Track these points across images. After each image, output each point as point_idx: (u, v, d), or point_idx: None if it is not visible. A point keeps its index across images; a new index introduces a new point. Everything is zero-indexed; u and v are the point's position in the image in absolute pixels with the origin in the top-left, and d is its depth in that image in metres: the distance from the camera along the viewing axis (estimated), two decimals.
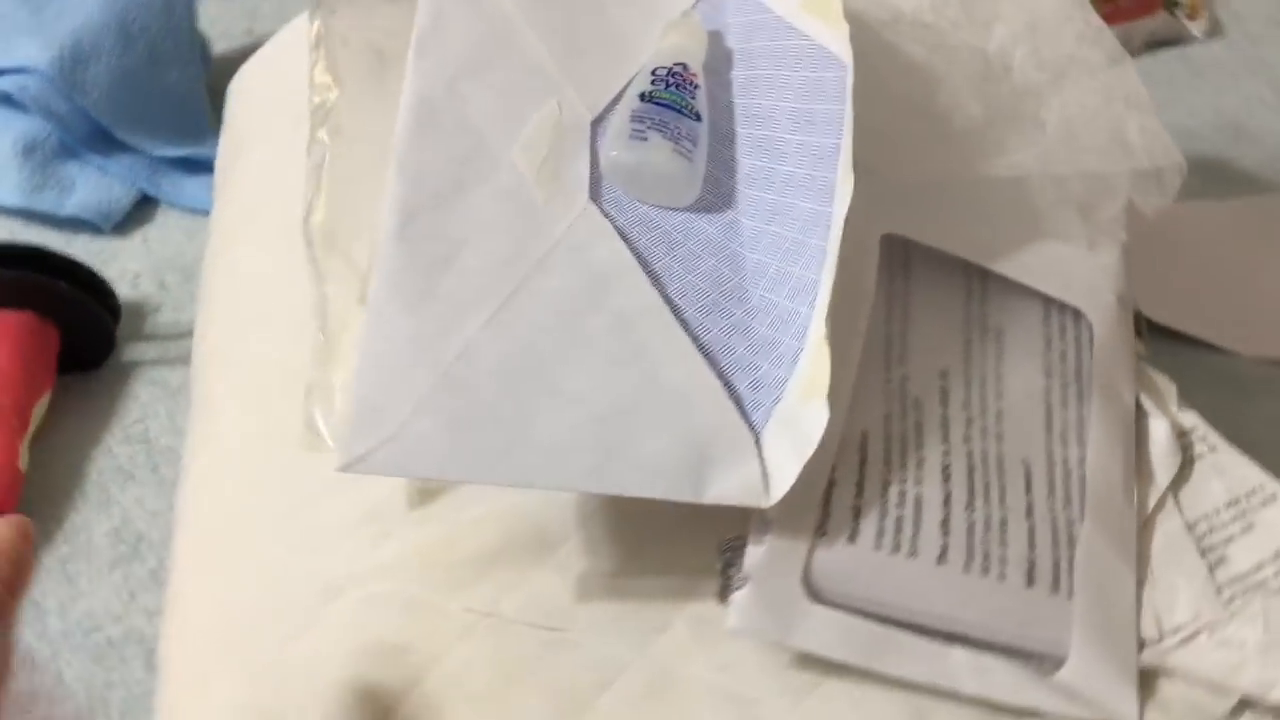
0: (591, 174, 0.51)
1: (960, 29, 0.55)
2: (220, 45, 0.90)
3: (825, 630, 0.43)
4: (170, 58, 0.82)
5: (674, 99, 0.51)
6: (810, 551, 0.44)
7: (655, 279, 0.48)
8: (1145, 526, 0.48)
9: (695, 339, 0.46)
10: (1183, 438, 0.50)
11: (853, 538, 0.44)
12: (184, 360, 0.72)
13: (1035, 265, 0.51)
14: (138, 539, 0.65)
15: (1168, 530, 0.48)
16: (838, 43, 0.48)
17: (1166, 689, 0.45)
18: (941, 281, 0.51)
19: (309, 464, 0.51)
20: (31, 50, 0.77)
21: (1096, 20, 0.54)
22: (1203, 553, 0.47)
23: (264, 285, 0.60)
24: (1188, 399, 0.51)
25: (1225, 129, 0.89)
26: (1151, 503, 0.48)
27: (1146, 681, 0.44)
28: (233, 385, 0.58)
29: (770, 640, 0.43)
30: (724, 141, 0.53)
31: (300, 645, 0.48)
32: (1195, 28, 0.99)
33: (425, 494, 0.49)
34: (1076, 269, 0.51)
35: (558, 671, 0.45)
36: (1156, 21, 0.98)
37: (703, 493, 0.42)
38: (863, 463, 0.45)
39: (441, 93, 0.52)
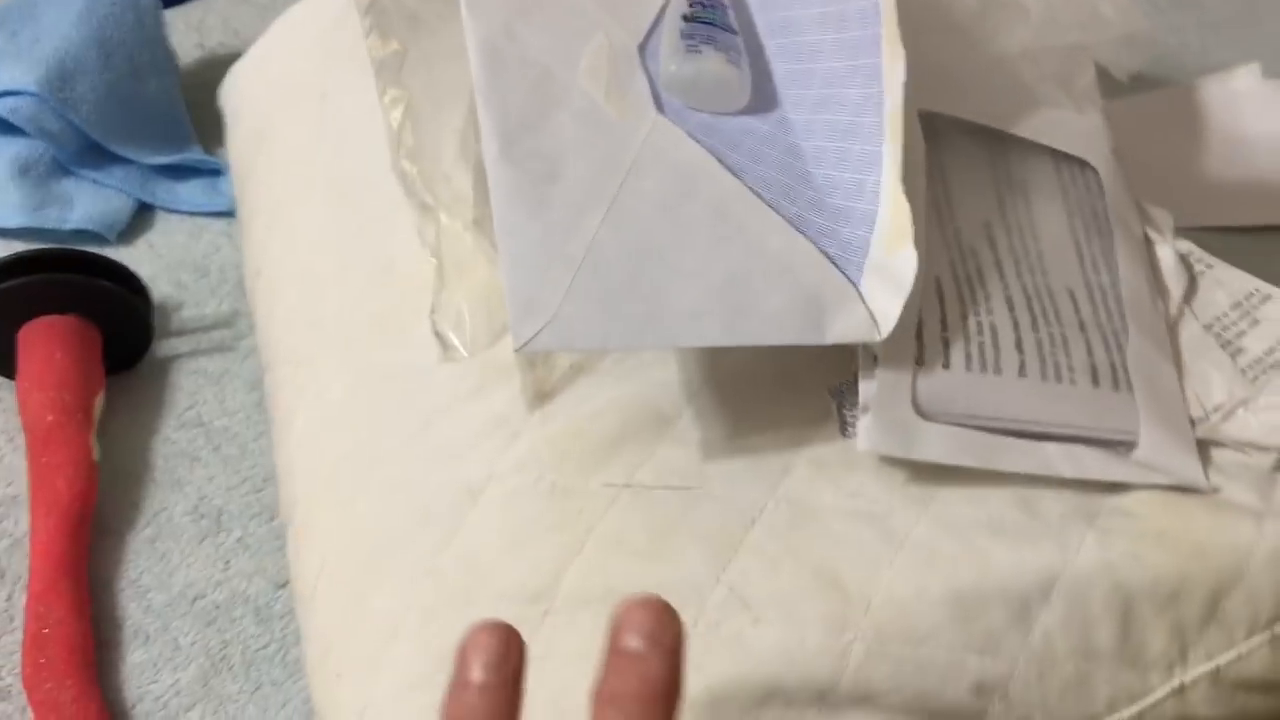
0: (652, 89, 0.56)
1: None
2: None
3: (941, 442, 0.49)
4: (148, 69, 0.85)
5: (713, 17, 0.57)
6: (914, 380, 0.50)
7: (731, 172, 0.54)
8: (1170, 332, 0.56)
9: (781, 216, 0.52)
10: (1184, 260, 0.58)
11: (947, 364, 0.50)
12: (218, 349, 0.76)
13: (1040, 127, 0.58)
14: (218, 513, 0.68)
15: (1189, 333, 0.56)
16: None
17: (1219, 455, 0.52)
18: (966, 148, 0.58)
19: (423, 391, 0.56)
20: (17, 73, 0.78)
21: None
22: (1222, 346, 0.55)
23: (331, 247, 0.64)
24: None
25: None
26: (1171, 313, 0.56)
27: (1202, 450, 0.52)
28: (321, 342, 0.61)
29: (897, 454, 0.49)
30: (755, 53, 0.59)
31: (454, 545, 0.52)
32: None
33: (542, 395, 0.54)
34: (1073, 128, 0.59)
35: (705, 520, 0.50)
36: None
37: (824, 335, 0.49)
38: (941, 301, 0.52)
39: (501, 36, 0.57)
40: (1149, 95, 0.84)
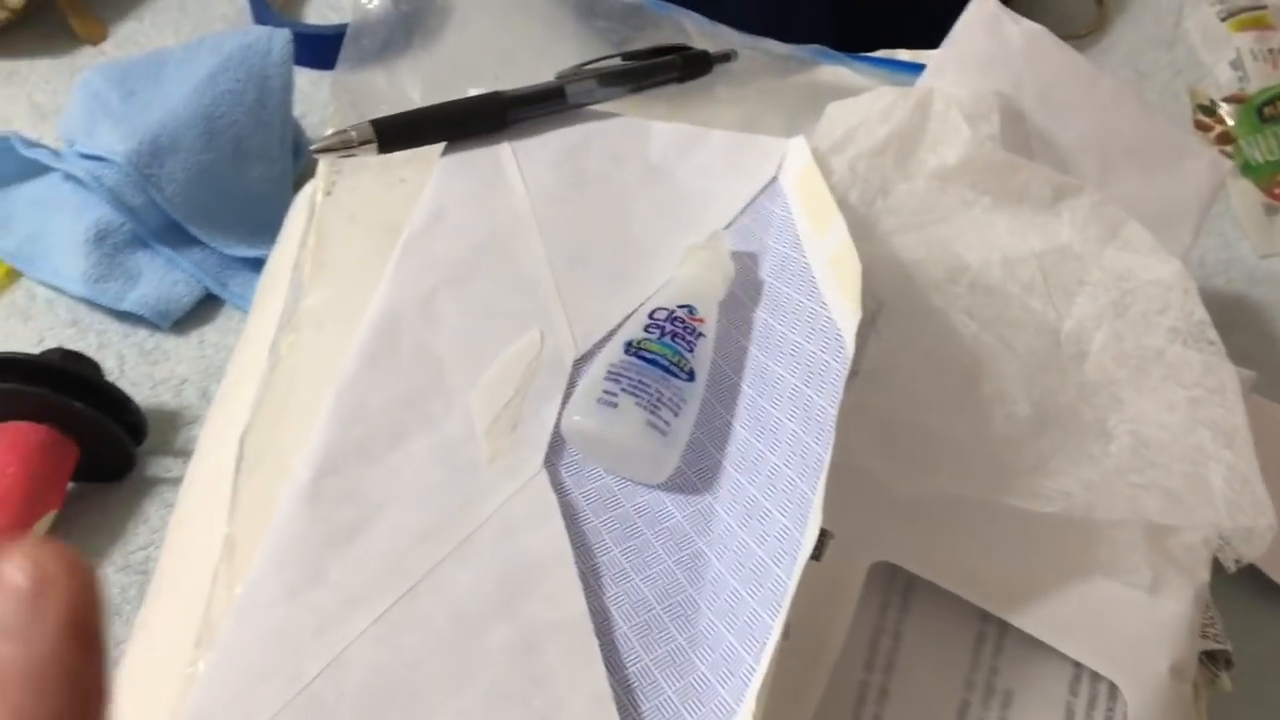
0: (557, 427, 0.44)
1: (1033, 296, 0.45)
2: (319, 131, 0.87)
3: None
4: (256, 154, 0.79)
5: (665, 353, 0.44)
6: None
7: (594, 578, 0.41)
8: None
9: (618, 670, 0.39)
10: None
11: None
12: None
13: (1066, 617, 0.41)
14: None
15: None
16: (847, 325, 0.40)
17: None
18: (947, 620, 0.42)
19: None
20: (113, 140, 0.75)
21: (1201, 313, 0.44)
22: None
23: None
24: None
25: None
26: None
27: None
28: None
29: None
30: (725, 399, 0.46)
31: None
32: None
33: None
34: (1123, 623, 0.42)
35: None
36: None
37: None
38: None
39: (412, 308, 0.46)
40: None
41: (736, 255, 0.50)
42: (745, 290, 0.49)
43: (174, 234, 0.79)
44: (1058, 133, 0.55)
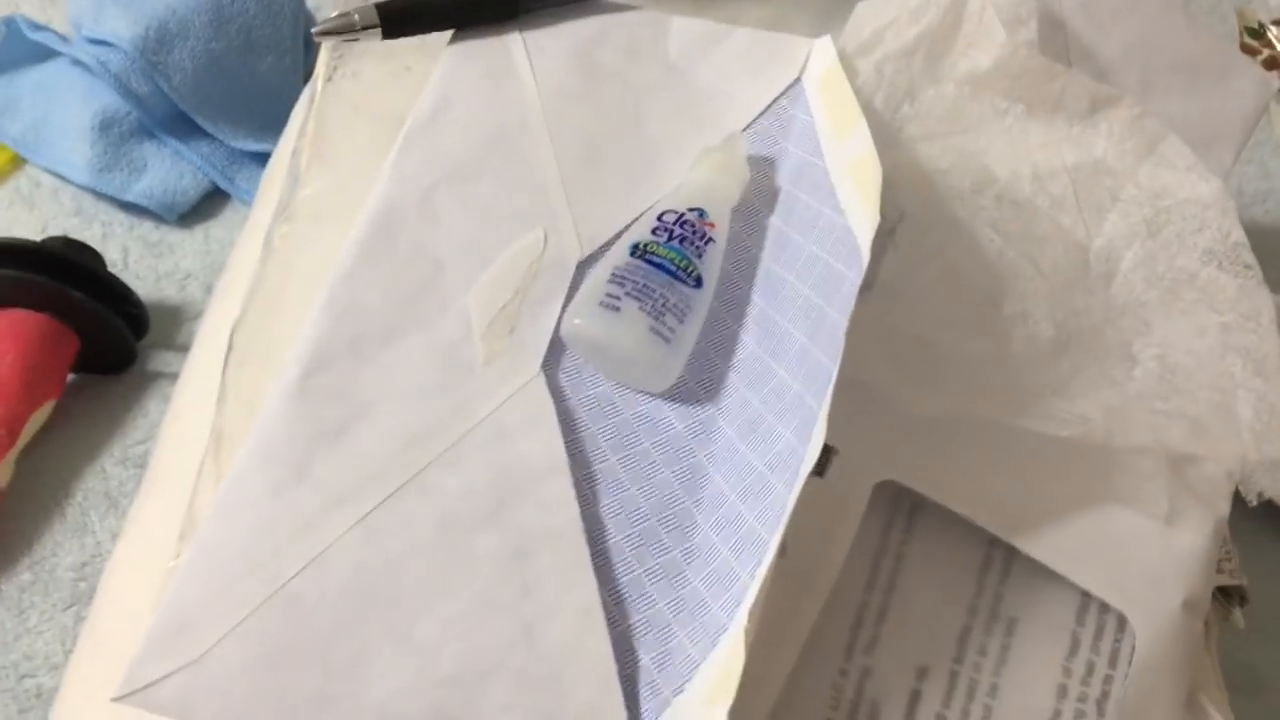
0: (557, 331, 0.42)
1: (1063, 212, 0.43)
2: None
3: None
4: (266, 44, 0.77)
5: (673, 257, 0.42)
6: None
7: (589, 486, 0.39)
8: None
9: (610, 581, 0.38)
10: None
11: None
12: None
13: (1078, 545, 0.40)
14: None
15: None
16: (864, 234, 0.38)
17: None
18: (953, 544, 0.40)
19: None
20: (120, 25, 0.73)
21: (1238, 234, 0.41)
22: None
23: None
24: None
25: None
26: None
27: None
28: None
29: None
30: (733, 308, 0.44)
31: None
32: None
33: None
34: (1138, 554, 0.40)
35: None
36: None
37: None
38: None
39: (412, 204, 0.44)
40: None
41: (754, 160, 0.48)
42: (761, 197, 0.47)
43: (181, 125, 0.77)
44: (1099, 43, 0.52)
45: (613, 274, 0.41)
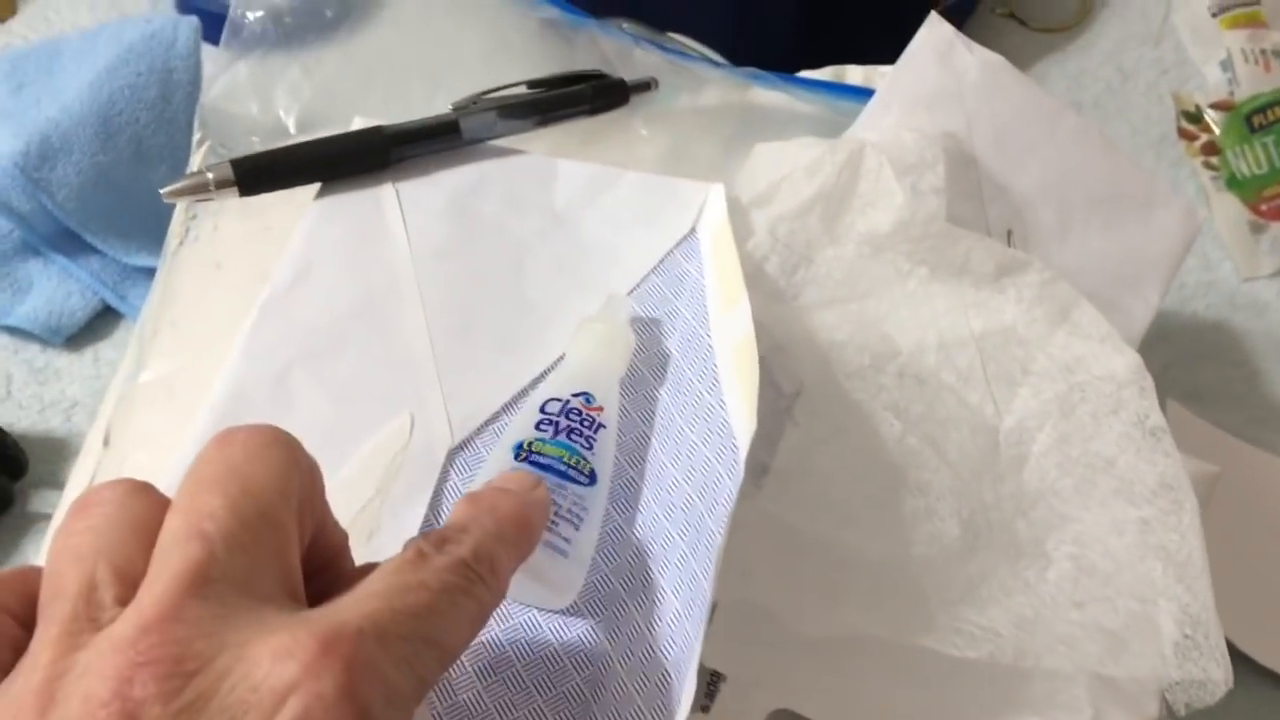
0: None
1: (970, 387, 0.40)
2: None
3: None
4: (159, 154, 0.73)
5: (562, 455, 0.38)
6: None
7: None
8: None
9: None
10: None
11: None
12: None
13: None
14: None
15: None
16: (742, 436, 0.35)
17: None
18: None
19: None
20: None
21: (1157, 417, 0.38)
22: None
23: None
24: None
25: None
26: None
27: None
28: None
29: None
30: (621, 502, 0.40)
31: None
32: None
33: None
34: None
35: None
36: None
37: None
38: None
39: (264, 387, 0.41)
40: None
41: (641, 323, 0.44)
42: (649, 364, 0.43)
43: (69, 241, 0.73)
44: (1013, 178, 0.49)
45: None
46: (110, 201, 0.72)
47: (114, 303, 0.73)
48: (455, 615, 0.27)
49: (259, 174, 0.45)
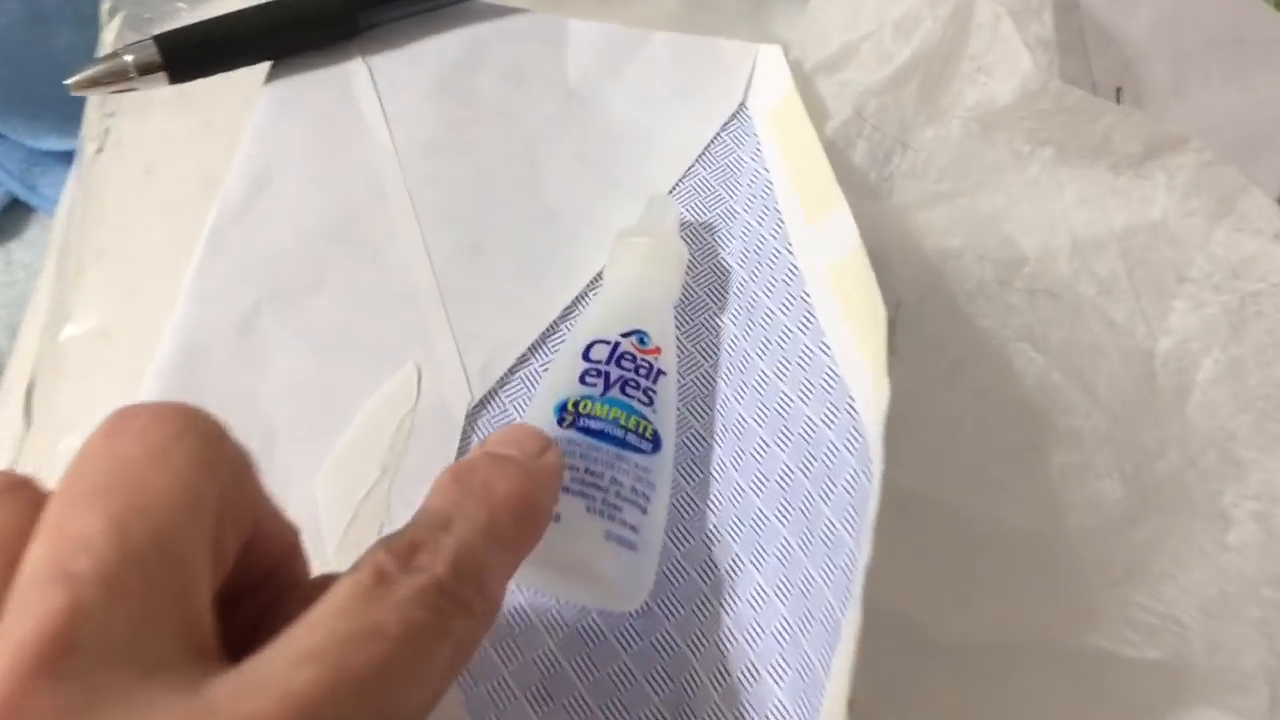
0: None
1: (1115, 302, 0.32)
2: None
3: None
4: (57, 13, 0.61)
5: (618, 416, 0.30)
6: None
7: None
8: None
9: None
10: None
11: None
12: None
13: None
14: None
15: None
16: (870, 410, 0.26)
17: None
18: None
19: None
20: None
21: None
22: None
23: None
24: None
25: None
26: None
27: None
28: None
29: None
30: (691, 467, 0.32)
31: None
32: None
33: None
34: None
35: None
36: None
37: None
38: None
39: (225, 337, 0.32)
40: None
41: (691, 230, 0.35)
42: (704, 283, 0.35)
43: None
44: (1120, 23, 0.40)
45: None
46: (5, 75, 0.61)
47: (22, 195, 0.62)
48: (423, 670, 0.19)
49: (193, 54, 0.35)
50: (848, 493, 0.27)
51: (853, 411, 0.27)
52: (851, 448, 0.27)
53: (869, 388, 0.26)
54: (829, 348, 0.29)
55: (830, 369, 0.29)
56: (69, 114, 0.62)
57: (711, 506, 0.31)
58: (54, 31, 0.61)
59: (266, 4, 0.36)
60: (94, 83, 0.34)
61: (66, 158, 0.63)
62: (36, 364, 0.33)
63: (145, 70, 0.34)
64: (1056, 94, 0.32)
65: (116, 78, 0.34)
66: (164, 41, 0.34)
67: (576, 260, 0.34)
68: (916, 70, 0.33)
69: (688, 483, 0.32)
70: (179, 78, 0.35)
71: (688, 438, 0.32)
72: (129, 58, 0.34)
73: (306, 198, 0.34)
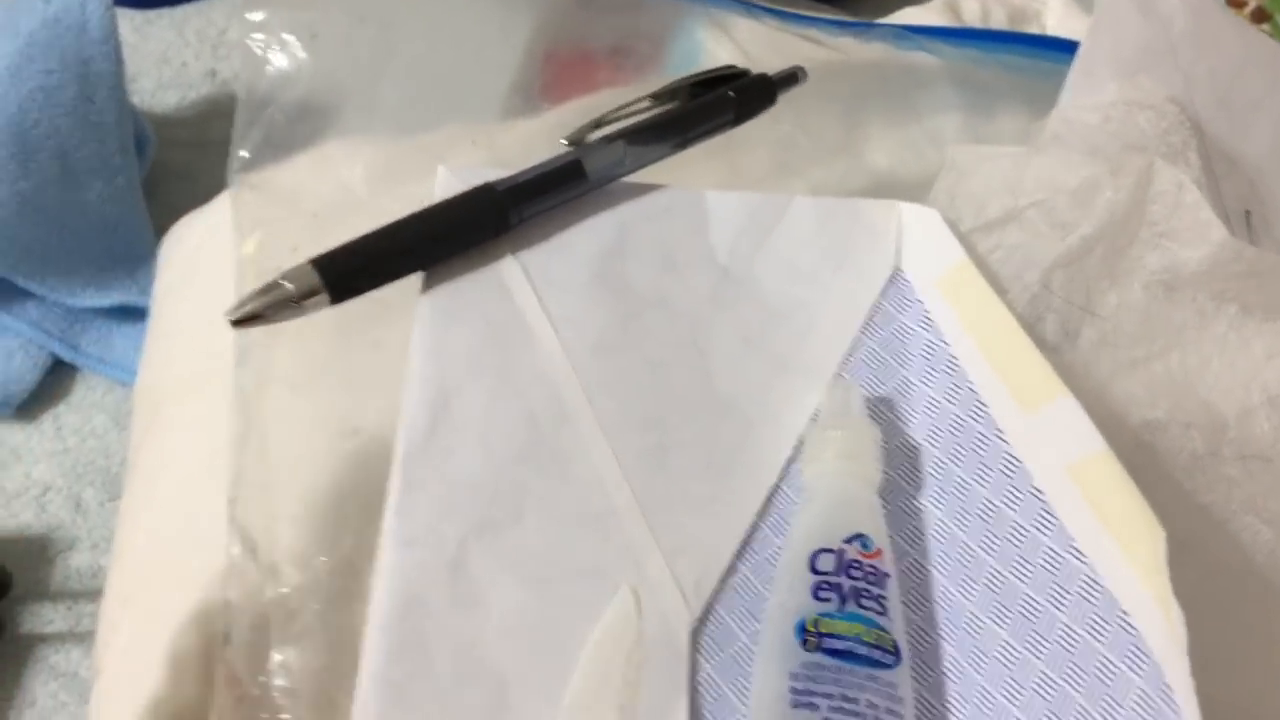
0: None
1: None
2: (172, 97, 0.67)
3: None
4: (89, 169, 0.60)
5: (859, 632, 0.29)
6: None
7: None
8: None
9: None
10: None
11: None
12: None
13: None
14: None
15: None
16: (1154, 628, 0.26)
17: None
18: None
19: None
20: None
21: None
22: None
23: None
24: None
25: None
26: None
27: None
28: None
29: None
30: (923, 659, 0.32)
31: None
32: None
33: None
34: None
35: None
36: None
37: None
38: None
39: (439, 586, 0.30)
40: None
41: (870, 405, 0.35)
42: (893, 461, 0.34)
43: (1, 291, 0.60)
44: (1242, 145, 0.40)
45: (792, 688, 0.29)
46: (40, 235, 0.59)
47: (65, 355, 0.60)
48: None
49: (352, 270, 0.33)
50: (1138, 711, 0.26)
51: (1128, 627, 0.27)
52: (1137, 667, 0.27)
53: (1148, 605, 0.26)
54: (1083, 554, 0.29)
55: (1089, 577, 0.28)
56: (105, 267, 0.61)
57: (951, 707, 0.31)
58: (86, 184, 0.60)
59: (420, 214, 0.34)
60: (258, 316, 0.32)
61: (106, 313, 0.61)
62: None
63: (304, 295, 0.33)
64: (1252, 260, 0.32)
65: (279, 306, 0.33)
66: (322, 265, 0.33)
67: (762, 451, 0.34)
68: (1102, 239, 0.33)
69: (920, 682, 0.31)
70: (340, 298, 0.34)
71: (915, 635, 0.32)
72: (289, 284, 0.33)
73: (489, 420, 0.33)
